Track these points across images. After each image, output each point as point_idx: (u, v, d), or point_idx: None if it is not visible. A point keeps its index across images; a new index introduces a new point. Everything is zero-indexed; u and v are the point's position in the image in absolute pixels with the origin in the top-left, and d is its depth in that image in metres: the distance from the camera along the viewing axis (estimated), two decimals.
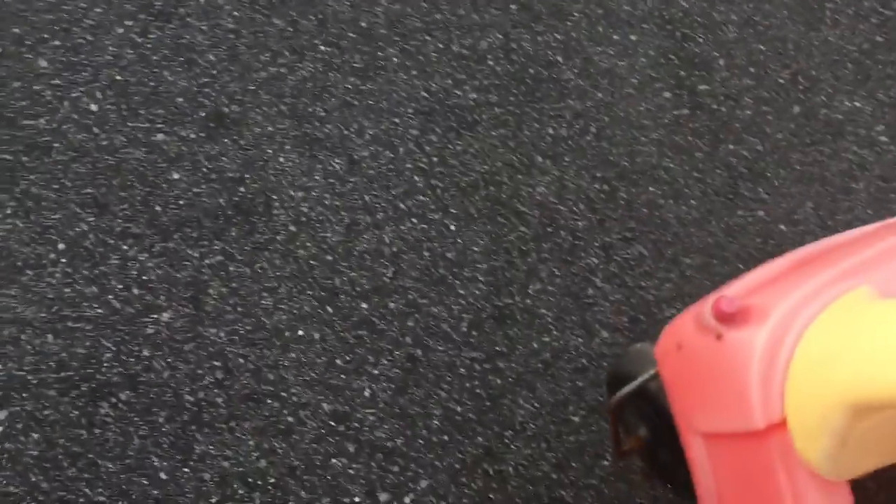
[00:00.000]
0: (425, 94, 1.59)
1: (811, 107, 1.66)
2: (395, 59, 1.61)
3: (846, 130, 1.63)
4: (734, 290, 0.94)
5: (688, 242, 1.53)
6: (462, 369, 1.39)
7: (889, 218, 1.13)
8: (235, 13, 1.59)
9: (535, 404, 1.38)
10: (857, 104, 1.66)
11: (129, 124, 1.47)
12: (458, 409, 1.37)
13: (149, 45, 1.54)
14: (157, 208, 1.42)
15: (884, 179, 1.62)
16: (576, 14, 1.69)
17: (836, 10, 1.75)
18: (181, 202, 1.43)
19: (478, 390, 1.38)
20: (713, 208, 1.56)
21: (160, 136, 1.47)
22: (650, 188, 1.55)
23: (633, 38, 1.69)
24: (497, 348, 1.41)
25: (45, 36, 1.51)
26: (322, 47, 1.59)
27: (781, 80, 1.67)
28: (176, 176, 1.45)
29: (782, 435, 0.84)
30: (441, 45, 1.63)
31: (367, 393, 1.35)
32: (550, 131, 1.59)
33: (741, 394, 0.86)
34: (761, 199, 1.57)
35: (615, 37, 1.68)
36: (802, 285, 0.89)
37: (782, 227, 1.56)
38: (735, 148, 1.60)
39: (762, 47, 1.70)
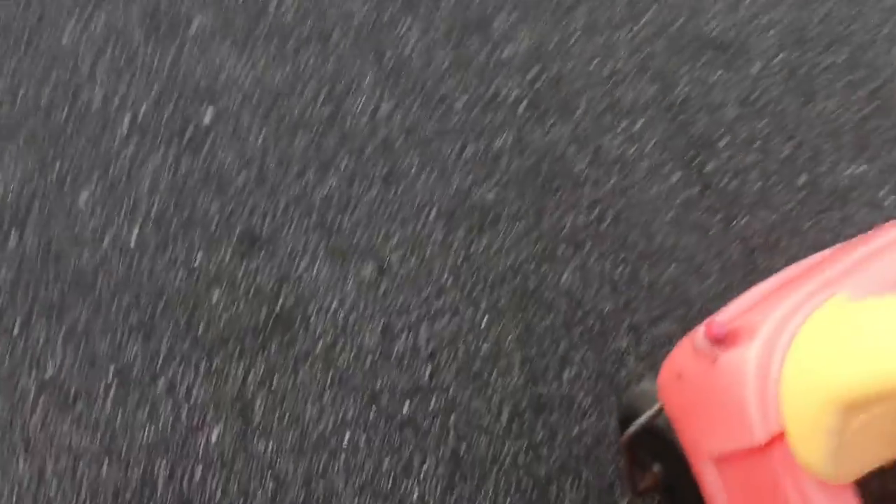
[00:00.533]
0: (447, 196, 1.61)
1: (816, 176, 1.67)
2: (414, 166, 1.64)
3: (851, 196, 1.65)
4: (724, 315, 0.97)
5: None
6: (507, 461, 1.38)
7: None
8: (262, 135, 1.64)
9: (583, 490, 1.36)
10: (860, 170, 1.68)
11: (169, 250, 1.50)
12: (507, 501, 1.35)
13: (182, 174, 1.58)
14: (201, 328, 1.43)
15: None
16: (582, 107, 1.73)
17: (829, 83, 1.79)
18: (223, 320, 1.45)
19: (524, 481, 1.36)
20: (734, 281, 1.56)
21: (198, 259, 1.50)
22: (671, 267, 1.56)
23: (638, 125, 1.72)
24: (539, 437, 1.40)
25: (85, 172, 1.56)
26: (345, 161, 1.63)
27: (785, 153, 1.70)
28: (216, 295, 1.47)
29: (784, 446, 0.85)
30: (457, 149, 1.67)
31: (415, 495, 1.34)
32: (569, 220, 1.61)
33: (740, 411, 0.87)
34: (776, 270, 1.57)
35: (622, 125, 1.72)
36: (786, 301, 0.91)
37: None
38: (748, 221, 1.61)
39: (762, 123, 1.73)
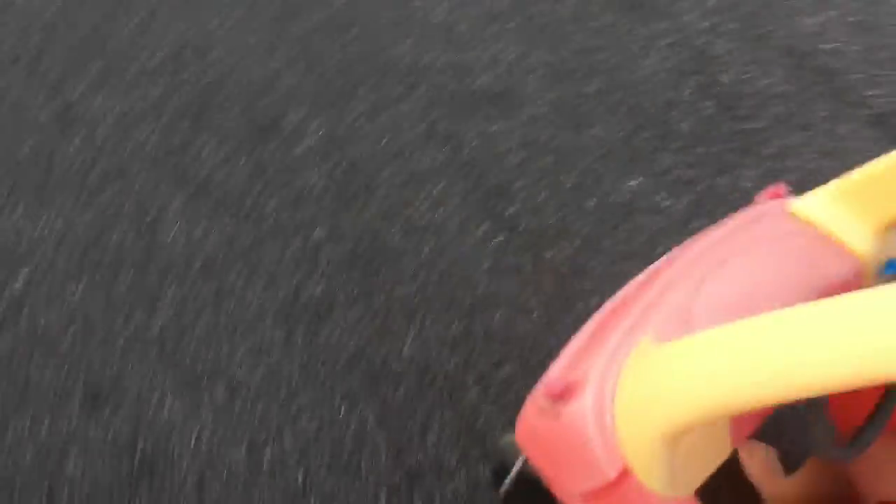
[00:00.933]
0: (278, 300, 1.64)
1: (602, 196, 1.83)
2: (240, 278, 1.66)
3: (635, 207, 1.81)
4: (556, 370, 1.07)
5: (546, 345, 1.63)
6: None
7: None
8: (80, 287, 1.61)
9: None
10: (636, 182, 1.85)
11: (10, 429, 1.44)
12: None
13: (6, 347, 1.52)
14: (65, 499, 1.39)
15: (679, 234, 1.80)
16: (383, 184, 1.81)
17: (592, 110, 1.96)
18: (85, 485, 1.41)
19: None
20: (555, 310, 1.68)
21: (44, 431, 1.45)
22: (497, 312, 1.66)
23: (438, 188, 1.82)
24: None
25: None
26: (171, 291, 1.62)
27: (570, 183, 1.84)
28: (72, 462, 1.43)
29: (631, 477, 0.96)
30: (277, 251, 1.70)
31: None
32: (398, 293, 1.67)
33: (590, 455, 0.98)
34: (590, 290, 1.71)
35: (423, 192, 1.81)
36: (603, 350, 1.02)
37: None
38: (554, 253, 1.74)
39: (546, 160, 1.87)
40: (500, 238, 1.76)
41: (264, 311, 1.63)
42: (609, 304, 1.17)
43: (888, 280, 1.08)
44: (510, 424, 1.51)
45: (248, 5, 2.16)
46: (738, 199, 1.82)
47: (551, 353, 1.63)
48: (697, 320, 0.99)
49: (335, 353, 1.60)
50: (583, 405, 1.00)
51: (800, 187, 1.86)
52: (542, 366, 1.61)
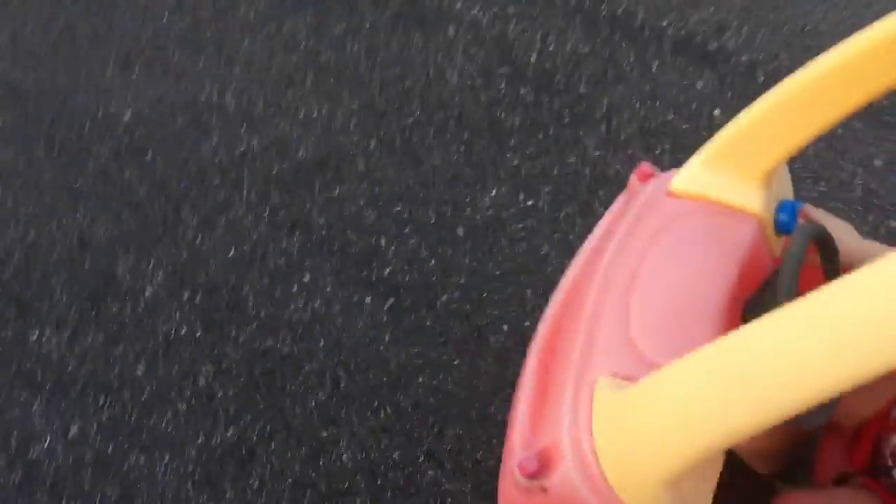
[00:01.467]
0: (192, 465, 1.46)
1: (467, 221, 1.75)
2: (141, 462, 1.47)
3: (503, 218, 1.74)
4: (519, 445, 0.96)
5: (479, 392, 1.54)
6: None
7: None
8: None
9: None
10: (492, 194, 1.78)
11: None
12: None
13: None
14: None
15: (553, 228, 1.75)
16: (248, 300, 1.66)
17: (421, 141, 1.87)
18: None
19: None
20: (472, 353, 1.59)
21: None
22: (421, 378, 1.55)
23: (307, 276, 1.68)
24: None
25: None
26: None
27: (432, 221, 1.75)
28: None
29: None
30: (168, 415, 1.52)
31: None
32: (312, 402, 1.53)
33: None
34: (496, 318, 1.63)
35: (293, 287, 1.67)
36: (560, 407, 0.93)
37: None
38: (447, 296, 1.65)
39: (389, 206, 1.77)
40: (390, 303, 1.64)
41: (181, 484, 1.44)
42: (535, 353, 1.07)
43: (791, 235, 1.04)
44: (477, 492, 1.41)
45: (27, 160, 1.93)
46: (594, 170, 1.79)
47: (487, 400, 1.54)
48: (644, 346, 0.92)
49: (274, 496, 1.44)
50: (567, 473, 0.90)
51: (643, 137, 1.85)
52: (485, 417, 1.52)
